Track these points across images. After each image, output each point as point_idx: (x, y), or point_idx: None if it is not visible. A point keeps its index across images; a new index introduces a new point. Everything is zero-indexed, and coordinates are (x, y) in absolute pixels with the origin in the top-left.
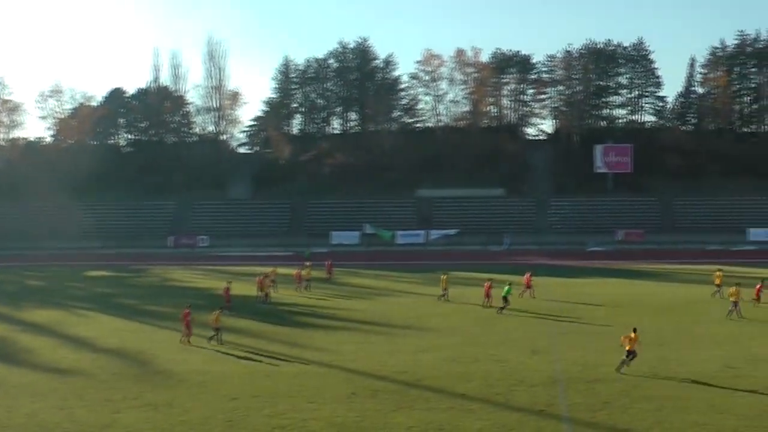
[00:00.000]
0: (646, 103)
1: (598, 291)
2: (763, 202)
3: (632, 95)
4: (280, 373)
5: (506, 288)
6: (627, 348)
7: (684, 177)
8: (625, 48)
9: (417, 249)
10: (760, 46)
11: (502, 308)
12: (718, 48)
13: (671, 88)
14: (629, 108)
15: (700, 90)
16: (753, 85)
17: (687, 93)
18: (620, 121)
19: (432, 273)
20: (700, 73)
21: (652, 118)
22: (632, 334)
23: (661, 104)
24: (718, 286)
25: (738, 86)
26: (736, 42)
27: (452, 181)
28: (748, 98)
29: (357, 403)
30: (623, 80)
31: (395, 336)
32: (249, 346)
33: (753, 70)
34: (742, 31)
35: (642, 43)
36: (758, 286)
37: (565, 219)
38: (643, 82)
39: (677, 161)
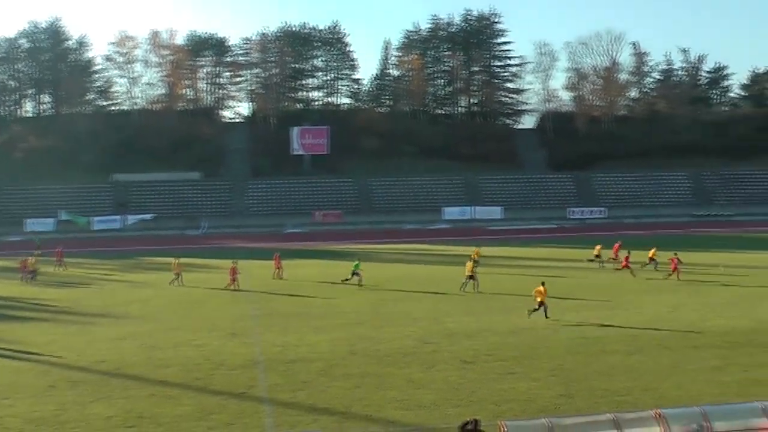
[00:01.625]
0: (342, 86)
1: (298, 273)
2: (456, 182)
3: (328, 78)
4: None
5: (355, 263)
6: (538, 300)
7: (380, 158)
8: (320, 31)
9: (114, 234)
10: (453, 30)
11: (346, 280)
12: (411, 31)
13: (367, 71)
14: (325, 90)
15: (395, 72)
16: (446, 68)
17: (382, 75)
18: (317, 103)
19: (129, 259)
20: (395, 56)
21: (348, 101)
22: (541, 288)
23: (356, 86)
24: (476, 261)
25: (432, 69)
26: (429, 26)
27: (148, 164)
28: (442, 81)
29: (55, 396)
30: (319, 63)
31: (94, 324)
32: None
33: (446, 53)
34: (435, 15)
35: (337, 26)
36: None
37: (263, 202)
38: (339, 64)
39: (373, 143)
